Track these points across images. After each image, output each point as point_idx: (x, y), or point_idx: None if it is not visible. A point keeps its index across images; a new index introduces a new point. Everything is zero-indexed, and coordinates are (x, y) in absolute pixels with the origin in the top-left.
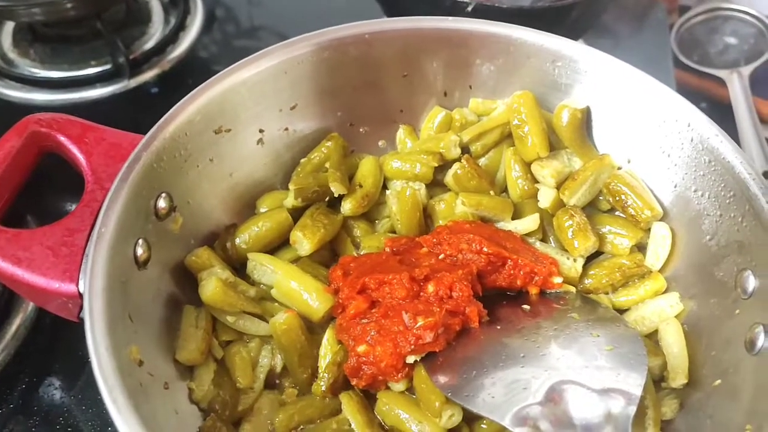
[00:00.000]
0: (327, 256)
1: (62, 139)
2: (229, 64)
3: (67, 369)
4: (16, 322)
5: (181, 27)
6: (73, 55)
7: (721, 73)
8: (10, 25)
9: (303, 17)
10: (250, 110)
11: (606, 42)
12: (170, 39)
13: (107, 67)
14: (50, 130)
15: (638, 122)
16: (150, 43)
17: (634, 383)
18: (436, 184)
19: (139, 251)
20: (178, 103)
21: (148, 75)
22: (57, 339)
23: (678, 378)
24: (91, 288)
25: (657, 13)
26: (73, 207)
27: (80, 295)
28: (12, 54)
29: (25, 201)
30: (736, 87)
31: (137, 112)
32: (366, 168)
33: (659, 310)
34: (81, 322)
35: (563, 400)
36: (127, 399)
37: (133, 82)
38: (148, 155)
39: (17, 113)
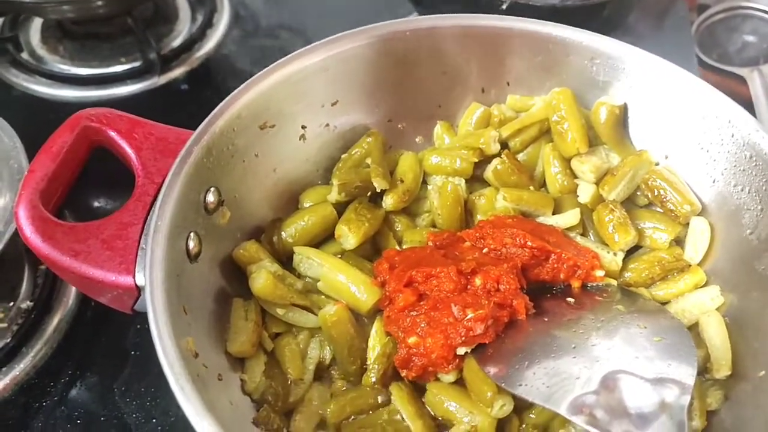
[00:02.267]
0: (368, 250)
1: (112, 134)
2: (256, 62)
3: (110, 362)
4: (57, 317)
5: (208, 24)
6: (103, 52)
7: (741, 71)
8: (38, 22)
9: (328, 16)
10: (294, 106)
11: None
12: (198, 36)
13: (137, 64)
14: (101, 125)
15: (677, 119)
16: (178, 41)
17: (686, 373)
18: (473, 180)
19: (191, 244)
20: (226, 99)
21: (177, 72)
22: (99, 333)
23: (722, 369)
24: (152, 280)
25: (679, 11)
26: (103, 203)
27: (137, 288)
28: (41, 51)
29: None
30: (757, 85)
31: (167, 108)
32: (406, 163)
33: (699, 302)
34: (134, 314)
35: (617, 390)
36: (194, 389)
37: (163, 79)
38: (198, 150)
39: (46, 110)
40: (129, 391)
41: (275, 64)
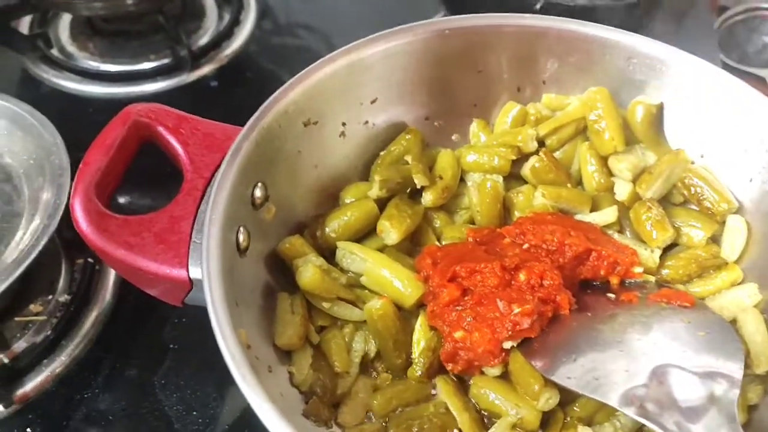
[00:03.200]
0: (408, 246)
1: (160, 129)
2: (284, 60)
3: (149, 355)
4: (95, 310)
5: (235, 22)
6: (133, 49)
7: (762, 73)
8: (66, 19)
9: (355, 15)
10: (335, 104)
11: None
12: (225, 34)
13: (166, 61)
14: (150, 120)
15: (713, 118)
16: (205, 38)
17: (735, 367)
18: (509, 177)
19: (241, 238)
20: (273, 95)
21: (207, 69)
22: (137, 326)
23: (762, 365)
24: (209, 272)
25: (701, 12)
26: (136, 198)
27: (190, 281)
28: (71, 47)
29: None
30: None
31: (197, 105)
32: (445, 160)
33: (737, 299)
34: (183, 307)
35: (666, 383)
36: (255, 381)
37: (192, 76)
38: (248, 145)
39: (76, 105)
40: (169, 384)
41: (319, 61)
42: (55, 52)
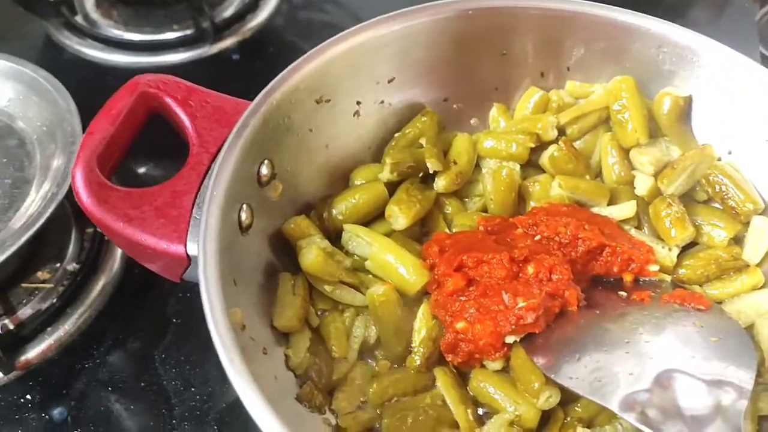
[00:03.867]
0: (417, 231)
1: (168, 100)
2: (308, 35)
3: (152, 329)
4: (102, 281)
5: None
6: (156, 18)
7: None
8: None
9: None
10: (350, 81)
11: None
12: (250, 7)
13: (189, 31)
14: (158, 91)
15: (744, 113)
16: (230, 11)
17: (745, 377)
18: (527, 165)
19: (243, 216)
20: (284, 71)
21: (229, 42)
22: (142, 299)
23: None
24: (205, 250)
25: (743, 2)
26: (146, 170)
27: (188, 257)
28: (95, 15)
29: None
30: None
31: (217, 78)
32: (460, 145)
33: (756, 304)
34: (182, 282)
35: (671, 389)
36: (243, 362)
37: (214, 49)
38: (255, 121)
39: (97, 74)
40: (169, 358)
41: (334, 38)
42: (78, 19)
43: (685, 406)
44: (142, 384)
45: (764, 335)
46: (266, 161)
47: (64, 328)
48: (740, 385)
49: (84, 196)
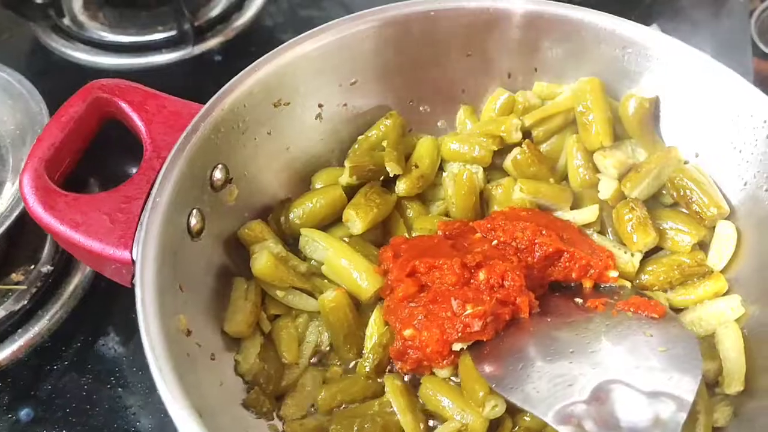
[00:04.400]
0: (379, 235)
1: (123, 105)
2: (294, 34)
3: (121, 331)
4: (74, 282)
5: None
6: (141, 20)
7: None
8: None
9: None
10: (310, 84)
11: (682, 27)
12: (235, 7)
13: (173, 33)
14: (112, 96)
15: (710, 115)
16: (216, 11)
17: (687, 388)
18: (494, 168)
19: (193, 221)
20: (237, 75)
21: (212, 43)
22: (113, 301)
23: (733, 385)
24: (144, 256)
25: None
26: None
27: (133, 262)
28: (82, 17)
29: (89, 165)
30: None
31: (200, 79)
32: (423, 148)
33: (719, 312)
34: (133, 288)
35: (610, 400)
36: (173, 368)
37: (197, 50)
38: (205, 126)
39: (85, 76)
40: (136, 361)
41: (291, 41)
42: (66, 21)
43: (623, 418)
44: (109, 386)
45: (724, 344)
46: (220, 165)
47: (35, 330)
48: (681, 397)
49: (30, 201)
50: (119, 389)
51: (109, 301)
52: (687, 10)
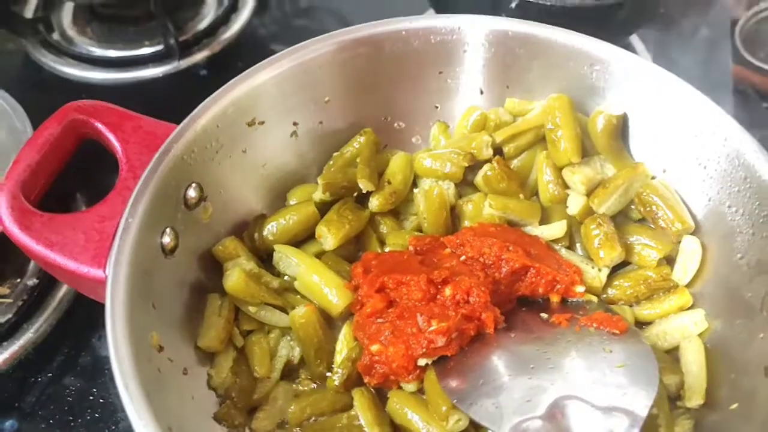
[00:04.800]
0: (353, 251)
1: (100, 126)
2: (279, 48)
3: (104, 344)
4: (59, 296)
5: (233, 9)
6: (128, 35)
7: None
8: (70, 3)
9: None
10: (284, 103)
11: (664, 38)
12: (222, 21)
13: (159, 47)
14: (89, 117)
15: (675, 132)
16: (202, 25)
17: (641, 403)
18: (467, 184)
19: (167, 240)
20: (211, 96)
21: (198, 57)
22: (97, 314)
23: (694, 398)
24: (115, 276)
25: (719, 8)
26: None
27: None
28: (71, 32)
29: (76, 180)
30: None
31: (186, 94)
32: (396, 165)
33: (682, 326)
34: None
35: (565, 416)
36: (140, 385)
37: (184, 64)
38: (178, 147)
39: (74, 90)
40: None
41: (264, 61)
42: (55, 36)
43: None
44: (91, 398)
45: (687, 358)
46: (194, 184)
47: (20, 343)
48: (634, 412)
49: (6, 222)
50: (101, 400)
51: (93, 314)
52: (667, 20)
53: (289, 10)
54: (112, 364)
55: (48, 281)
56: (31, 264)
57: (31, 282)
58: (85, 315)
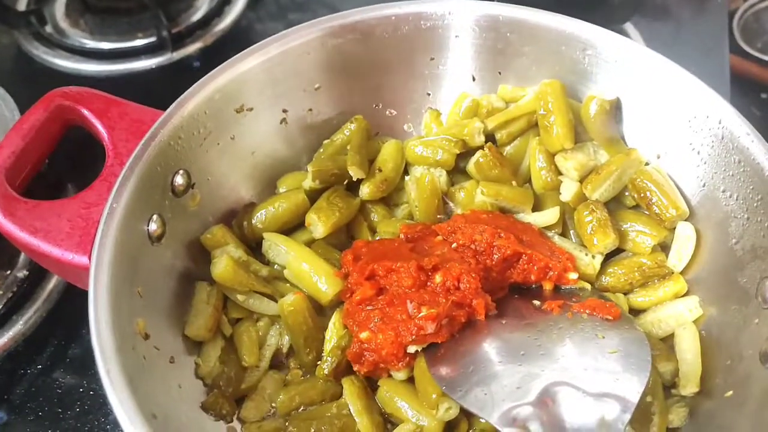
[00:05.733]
0: (343, 239)
1: (86, 113)
2: None
3: None
4: (49, 287)
5: (226, 1)
6: (121, 26)
7: None
8: None
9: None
10: (273, 90)
11: (661, 27)
12: (215, 13)
13: (152, 39)
14: (75, 104)
15: (669, 116)
16: (196, 16)
17: (633, 389)
18: (459, 172)
19: (153, 227)
20: (198, 82)
21: (191, 49)
22: (86, 305)
23: (689, 386)
24: (98, 261)
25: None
26: None
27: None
28: (64, 24)
29: (66, 169)
30: None
31: (179, 85)
32: (387, 152)
33: (677, 313)
34: None
35: (556, 402)
36: (123, 372)
37: (177, 56)
38: (165, 133)
39: (66, 83)
40: None
41: (252, 47)
42: (48, 28)
43: (569, 420)
44: (81, 390)
45: (682, 346)
46: (181, 171)
47: (9, 335)
48: (625, 398)
49: None
50: (91, 393)
51: (82, 306)
52: (667, 8)
53: (283, 2)
54: (94, 349)
55: (38, 273)
56: (21, 256)
57: (21, 274)
58: (74, 307)
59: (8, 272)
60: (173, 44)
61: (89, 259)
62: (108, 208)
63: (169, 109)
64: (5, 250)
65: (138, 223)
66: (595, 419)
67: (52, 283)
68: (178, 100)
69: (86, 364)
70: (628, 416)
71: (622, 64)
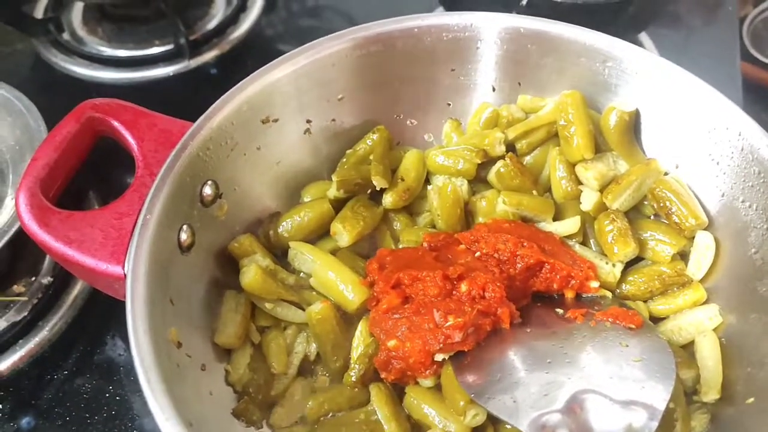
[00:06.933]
0: (367, 247)
1: (116, 124)
2: (288, 46)
3: (119, 340)
4: (74, 293)
5: (242, 8)
6: (139, 34)
7: None
8: (80, 3)
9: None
10: (298, 101)
11: (673, 35)
12: (231, 20)
13: (170, 47)
14: (105, 116)
15: (688, 127)
16: (211, 24)
17: (659, 397)
18: (480, 181)
19: (183, 237)
20: (226, 94)
21: (208, 56)
22: (111, 311)
23: (710, 393)
24: (134, 272)
25: (728, 5)
26: None
27: (125, 277)
28: (81, 32)
29: (90, 178)
30: None
31: (196, 93)
32: (409, 161)
33: (697, 321)
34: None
35: (584, 410)
36: (162, 380)
37: (194, 63)
38: (194, 144)
39: (84, 90)
40: (134, 370)
41: (278, 59)
42: (66, 36)
43: (597, 427)
44: (107, 395)
45: (702, 353)
46: (210, 182)
47: (35, 340)
48: (653, 406)
49: (25, 219)
50: (117, 398)
51: (107, 311)
52: (678, 18)
53: (297, 10)
54: (134, 359)
55: (62, 279)
56: (46, 262)
57: (46, 280)
58: (99, 313)
59: (33, 279)
60: (190, 52)
61: (122, 268)
62: (142, 219)
63: (198, 121)
64: (29, 257)
65: (170, 233)
66: (622, 426)
67: (77, 289)
68: (207, 111)
69: (112, 370)
70: (655, 424)
71: (643, 75)
